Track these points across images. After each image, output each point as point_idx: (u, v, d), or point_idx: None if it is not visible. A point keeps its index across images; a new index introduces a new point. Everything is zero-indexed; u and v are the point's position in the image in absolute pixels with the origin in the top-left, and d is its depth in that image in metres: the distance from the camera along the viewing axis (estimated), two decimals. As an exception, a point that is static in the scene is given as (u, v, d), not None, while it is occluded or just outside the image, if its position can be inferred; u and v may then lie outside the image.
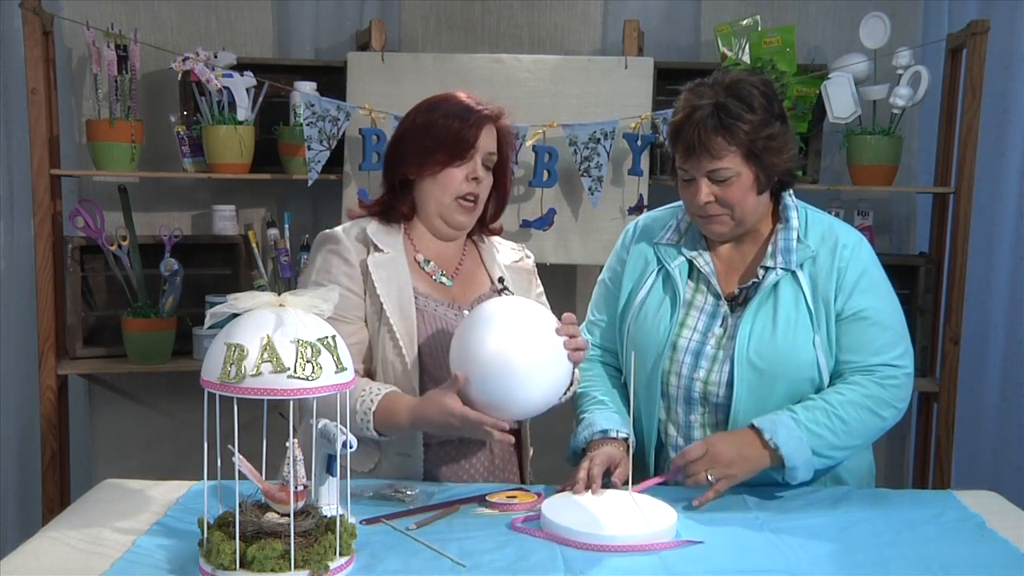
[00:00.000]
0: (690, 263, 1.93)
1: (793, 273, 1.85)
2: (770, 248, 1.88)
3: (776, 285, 1.85)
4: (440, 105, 1.91)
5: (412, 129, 1.92)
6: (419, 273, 1.94)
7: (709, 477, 1.74)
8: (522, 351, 1.67)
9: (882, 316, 1.86)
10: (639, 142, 2.95)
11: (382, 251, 1.90)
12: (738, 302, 1.89)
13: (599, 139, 2.91)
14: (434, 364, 1.87)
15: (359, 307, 1.88)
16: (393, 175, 1.95)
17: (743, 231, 1.89)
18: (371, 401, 1.77)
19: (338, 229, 1.94)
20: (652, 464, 1.97)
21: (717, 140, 1.78)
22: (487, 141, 1.90)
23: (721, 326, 1.88)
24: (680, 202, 1.94)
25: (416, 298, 1.89)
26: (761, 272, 1.87)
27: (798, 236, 1.87)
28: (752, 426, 1.79)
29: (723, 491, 1.76)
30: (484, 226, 2.03)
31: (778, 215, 1.91)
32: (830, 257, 1.85)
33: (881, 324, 1.85)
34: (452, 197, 1.89)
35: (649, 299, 1.93)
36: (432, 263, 1.96)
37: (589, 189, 2.95)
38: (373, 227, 1.93)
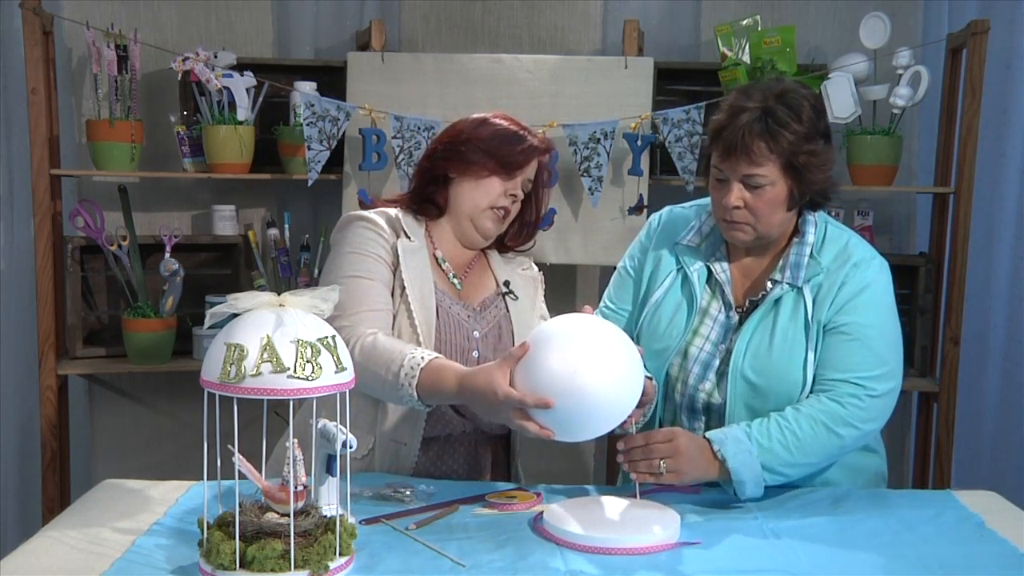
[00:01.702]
0: (708, 269, 1.91)
1: (799, 289, 1.83)
2: (780, 262, 1.86)
3: (779, 300, 1.83)
4: (491, 123, 1.97)
5: (459, 135, 1.97)
6: (437, 269, 1.98)
7: (661, 465, 1.71)
8: (594, 374, 1.55)
9: (865, 334, 1.80)
10: (639, 142, 2.95)
11: (410, 239, 1.94)
12: (746, 314, 1.88)
13: (599, 139, 2.91)
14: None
15: (391, 281, 1.91)
16: (435, 170, 1.98)
17: (763, 242, 1.87)
18: (421, 359, 1.72)
19: (365, 212, 1.97)
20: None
21: (759, 145, 1.75)
22: (531, 169, 1.97)
23: (728, 338, 1.87)
24: (706, 200, 1.93)
25: (434, 292, 1.92)
26: (769, 285, 1.85)
27: (811, 252, 1.84)
28: (704, 436, 1.76)
29: (665, 484, 1.72)
30: (501, 243, 2.07)
31: (797, 228, 1.88)
32: (837, 273, 1.83)
33: (860, 342, 1.80)
34: (489, 205, 1.94)
35: (665, 300, 1.92)
36: (448, 263, 2.00)
37: (589, 189, 2.95)
38: (401, 215, 1.97)
